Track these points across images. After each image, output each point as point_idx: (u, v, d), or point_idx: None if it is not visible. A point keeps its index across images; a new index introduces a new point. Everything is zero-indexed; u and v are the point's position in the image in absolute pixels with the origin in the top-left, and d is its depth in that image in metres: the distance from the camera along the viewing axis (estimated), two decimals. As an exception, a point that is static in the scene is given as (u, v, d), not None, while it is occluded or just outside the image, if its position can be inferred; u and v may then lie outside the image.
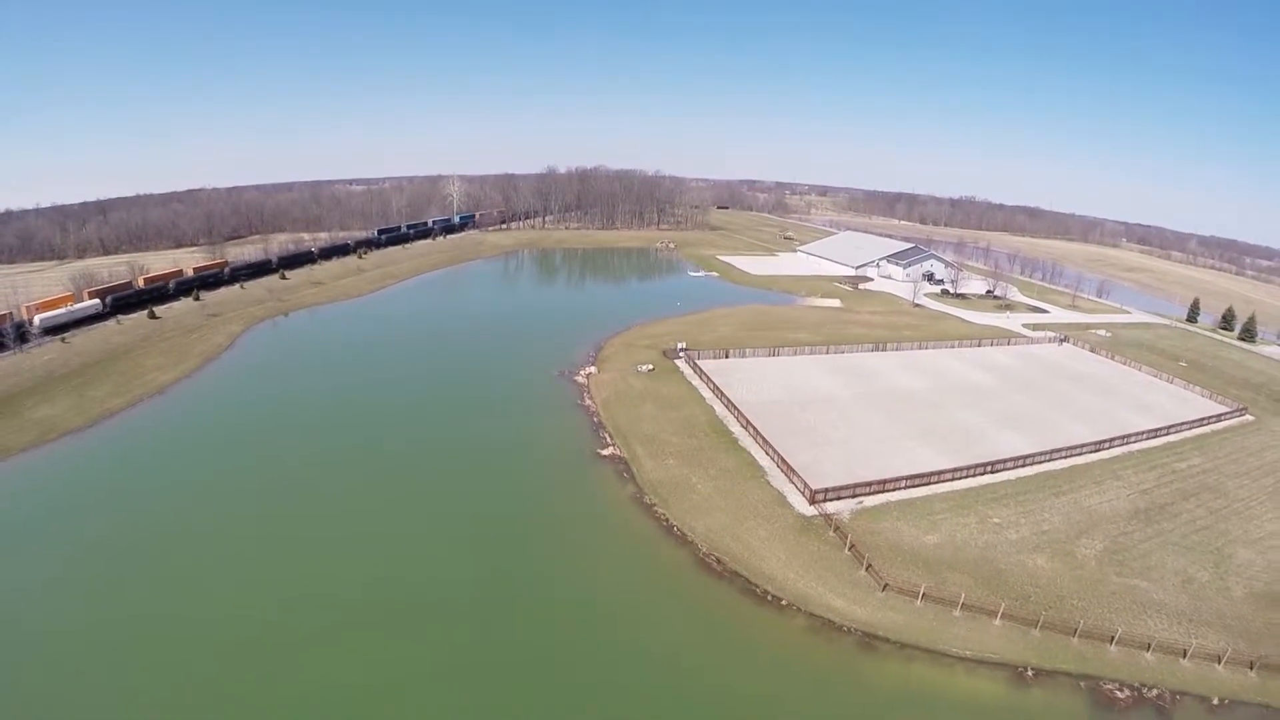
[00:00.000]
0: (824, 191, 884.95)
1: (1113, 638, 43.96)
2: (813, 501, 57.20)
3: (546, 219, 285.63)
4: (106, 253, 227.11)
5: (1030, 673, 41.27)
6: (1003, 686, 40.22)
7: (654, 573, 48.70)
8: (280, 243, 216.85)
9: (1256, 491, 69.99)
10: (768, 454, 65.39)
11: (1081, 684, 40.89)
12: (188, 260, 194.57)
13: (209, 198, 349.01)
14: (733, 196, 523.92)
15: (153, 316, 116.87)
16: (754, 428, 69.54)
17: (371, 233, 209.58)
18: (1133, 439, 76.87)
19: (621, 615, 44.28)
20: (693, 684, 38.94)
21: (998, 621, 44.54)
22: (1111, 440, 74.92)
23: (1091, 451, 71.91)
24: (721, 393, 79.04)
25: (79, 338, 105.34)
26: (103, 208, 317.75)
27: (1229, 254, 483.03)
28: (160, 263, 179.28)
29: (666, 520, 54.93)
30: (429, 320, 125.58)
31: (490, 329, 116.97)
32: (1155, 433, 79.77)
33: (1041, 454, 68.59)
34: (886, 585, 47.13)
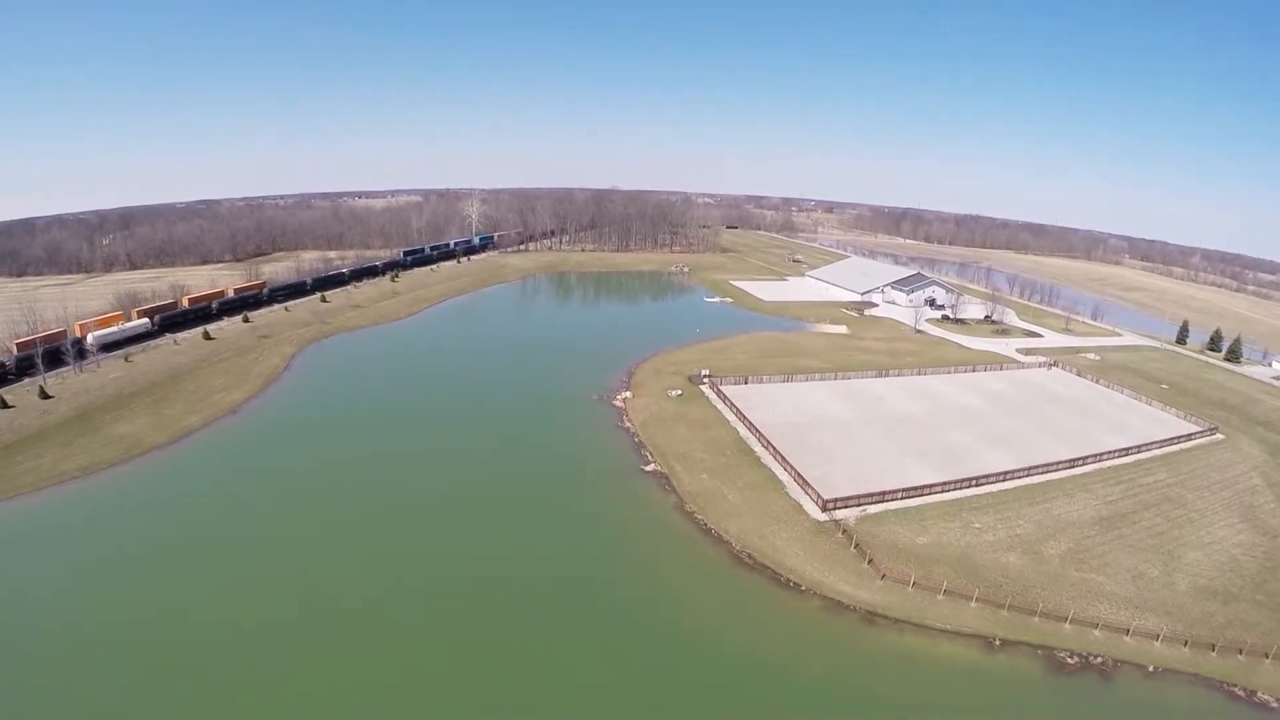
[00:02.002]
0: (830, 208, 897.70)
1: (1067, 618, 54.86)
2: (824, 509, 68.45)
3: (563, 240, 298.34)
4: (134, 267, 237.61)
5: (998, 642, 52.34)
6: (975, 652, 51.33)
7: (697, 566, 60.15)
8: (309, 261, 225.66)
9: (1213, 503, 79.49)
10: (785, 470, 76.79)
11: (1039, 652, 51.81)
12: (215, 276, 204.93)
13: (230, 213, 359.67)
14: (740, 216, 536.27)
15: (208, 338, 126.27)
16: (773, 447, 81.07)
17: (397, 254, 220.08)
18: (1105, 457, 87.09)
19: (673, 599, 55.57)
20: (731, 650, 50.12)
21: (973, 604, 55.69)
22: (1085, 458, 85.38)
23: (1066, 468, 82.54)
24: (744, 416, 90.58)
25: (142, 357, 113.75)
26: (126, 221, 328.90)
27: (1231, 269, 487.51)
28: (190, 279, 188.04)
29: (705, 524, 66.44)
30: (467, 344, 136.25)
31: (526, 353, 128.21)
32: (1126, 451, 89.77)
33: (1020, 470, 79.52)
34: (884, 575, 58.47)
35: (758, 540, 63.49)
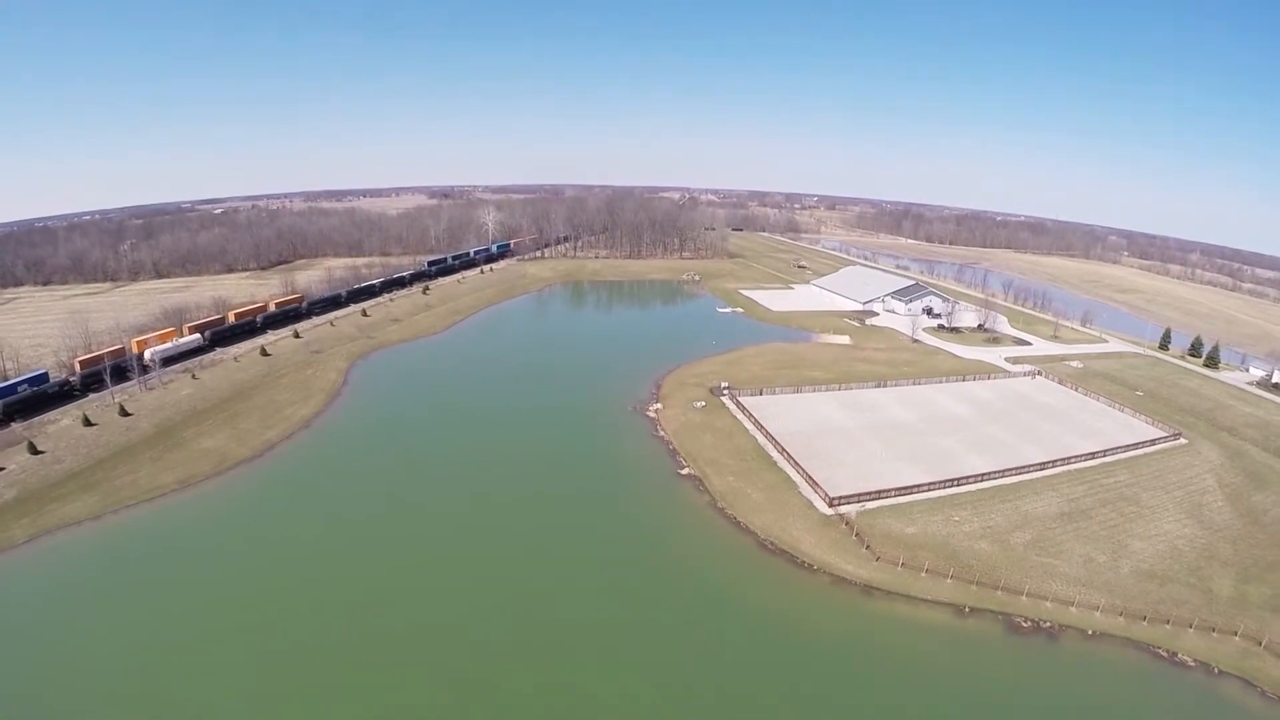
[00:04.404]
0: (833, 205, 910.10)
1: (1024, 592, 68.67)
2: (831, 505, 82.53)
3: (577, 245, 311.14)
4: (160, 275, 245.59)
5: (967, 610, 66.40)
6: (949, 616, 65.48)
7: (730, 551, 74.55)
8: (331, 269, 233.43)
9: (1165, 501, 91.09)
10: (798, 472, 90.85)
11: (1000, 617, 65.73)
12: (242, 285, 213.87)
13: (250, 221, 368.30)
14: (746, 216, 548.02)
15: (264, 354, 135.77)
16: (787, 453, 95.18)
17: (422, 264, 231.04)
18: (1073, 460, 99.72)
19: (712, 577, 69.78)
20: (760, 614, 64.32)
21: (949, 580, 69.86)
22: (1055, 461, 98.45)
23: (1037, 470, 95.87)
24: (761, 425, 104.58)
25: (207, 374, 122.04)
26: (148, 228, 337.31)
27: (1230, 266, 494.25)
28: (219, 289, 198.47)
29: (734, 518, 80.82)
30: (504, 358, 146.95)
31: (559, 367, 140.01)
32: (1093, 455, 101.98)
33: (997, 472, 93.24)
34: (879, 557, 72.79)
35: (778, 531, 77.90)
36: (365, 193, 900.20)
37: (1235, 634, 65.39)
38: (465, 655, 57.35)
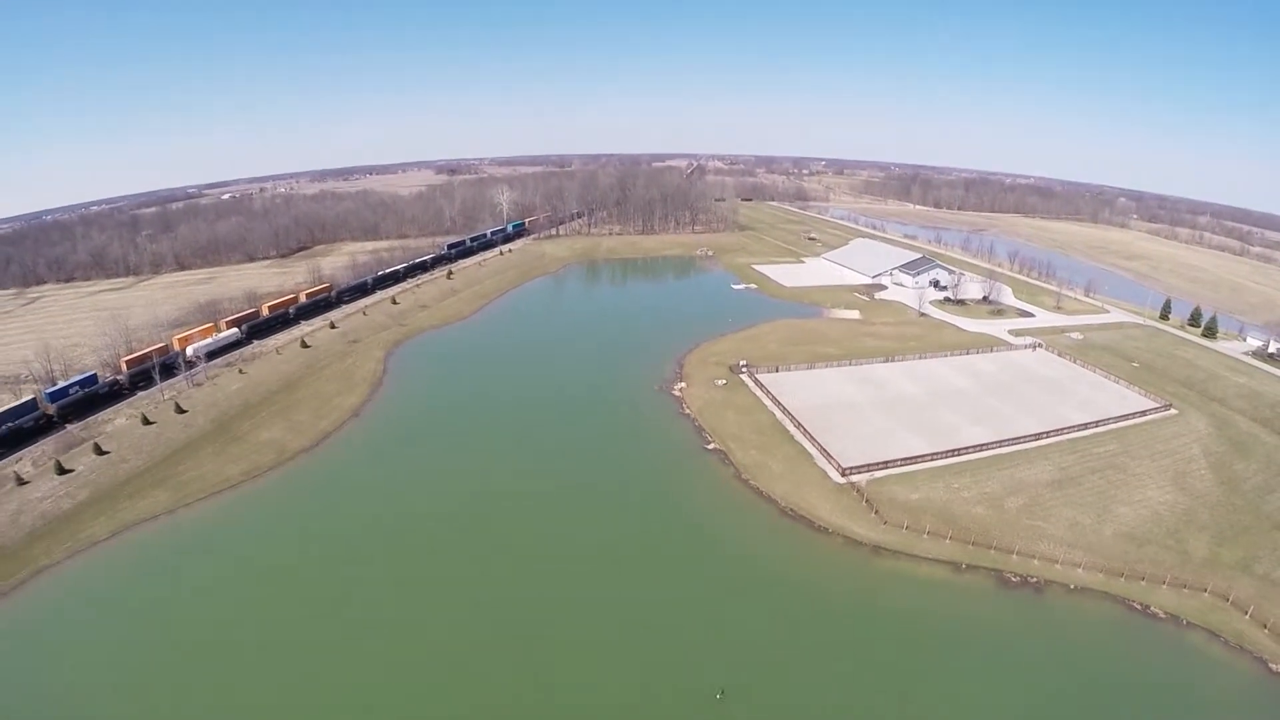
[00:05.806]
0: (840, 170, 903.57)
1: (1015, 551, 77.20)
2: (843, 475, 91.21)
3: (591, 221, 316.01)
4: (181, 267, 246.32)
5: (964, 566, 75.28)
6: (947, 572, 74.49)
7: (753, 518, 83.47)
8: (350, 254, 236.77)
9: (1151, 469, 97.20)
10: (813, 445, 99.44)
11: (992, 574, 74.48)
12: (265, 274, 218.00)
13: (265, 209, 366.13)
14: (754, 185, 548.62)
15: (305, 345, 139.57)
16: (803, 427, 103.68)
17: (441, 247, 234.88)
18: (1067, 431, 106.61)
19: (737, 540, 78.93)
20: (783, 571, 73.51)
21: (948, 541, 78.69)
22: (1049, 432, 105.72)
23: (1032, 440, 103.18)
24: (778, 401, 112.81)
25: (253, 367, 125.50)
26: (165, 220, 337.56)
27: (1239, 230, 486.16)
28: (242, 279, 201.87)
29: (757, 488, 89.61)
30: (533, 339, 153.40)
31: (585, 347, 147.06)
32: (1085, 426, 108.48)
33: (995, 442, 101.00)
34: (886, 521, 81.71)
35: (796, 498, 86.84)
36: (372, 170, 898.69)
37: (1205, 590, 72.09)
38: (520, 618, 66.02)
